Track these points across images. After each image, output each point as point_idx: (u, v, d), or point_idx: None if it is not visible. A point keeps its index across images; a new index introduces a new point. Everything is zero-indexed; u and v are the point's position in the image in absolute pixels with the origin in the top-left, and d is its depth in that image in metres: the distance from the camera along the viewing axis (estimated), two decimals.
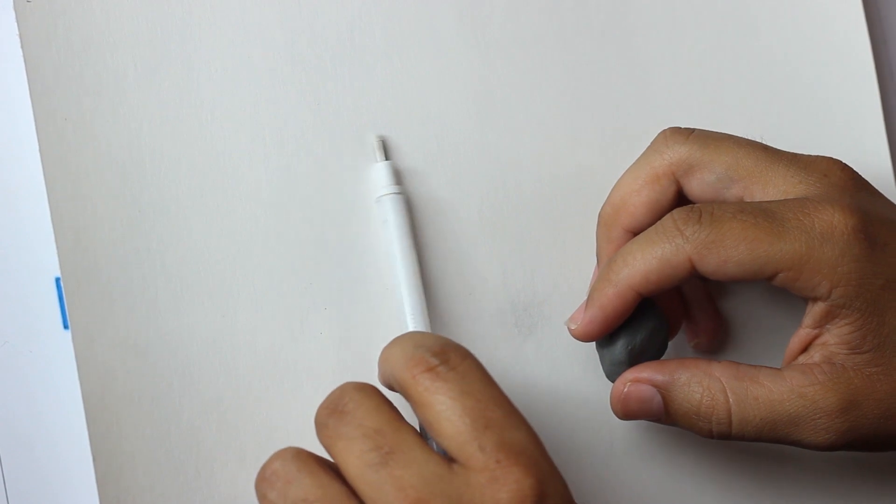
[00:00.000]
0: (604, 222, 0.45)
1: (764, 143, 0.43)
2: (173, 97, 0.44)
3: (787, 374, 0.40)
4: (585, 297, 0.43)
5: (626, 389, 0.42)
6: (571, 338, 0.43)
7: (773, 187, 0.42)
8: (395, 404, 0.37)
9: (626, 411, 0.42)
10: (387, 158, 0.45)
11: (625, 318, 0.42)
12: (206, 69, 0.44)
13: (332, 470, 0.36)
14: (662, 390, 0.42)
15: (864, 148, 0.50)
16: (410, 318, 0.43)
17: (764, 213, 0.40)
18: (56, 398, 0.44)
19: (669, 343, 0.45)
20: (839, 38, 0.51)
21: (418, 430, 0.37)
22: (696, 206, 0.41)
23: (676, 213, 0.41)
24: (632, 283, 0.41)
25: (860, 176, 0.43)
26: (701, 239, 0.40)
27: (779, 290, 0.41)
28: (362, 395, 0.37)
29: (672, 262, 0.40)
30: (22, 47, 0.43)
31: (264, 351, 0.44)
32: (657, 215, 0.43)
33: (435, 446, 0.37)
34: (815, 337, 0.41)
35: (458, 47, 0.47)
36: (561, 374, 0.47)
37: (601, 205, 0.45)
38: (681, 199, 0.44)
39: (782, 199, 0.41)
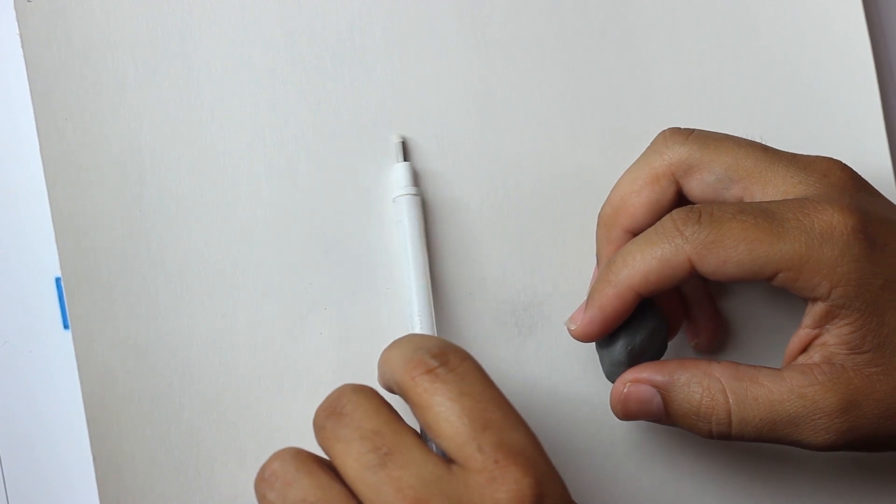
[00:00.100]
0: (603, 223, 0.45)
1: (764, 143, 0.43)
2: (173, 97, 0.44)
3: (786, 374, 0.40)
4: (585, 298, 0.43)
5: (625, 390, 0.42)
6: (571, 338, 0.43)
7: (773, 188, 0.42)
8: (395, 407, 0.37)
9: (626, 412, 0.42)
10: (406, 159, 0.45)
11: (624, 318, 0.42)
12: (206, 69, 0.44)
13: (332, 471, 0.36)
14: (662, 391, 0.42)
15: (864, 148, 0.50)
16: (418, 320, 0.43)
17: (763, 214, 0.40)
18: (56, 398, 0.44)
19: (669, 343, 0.45)
20: (839, 38, 0.51)
21: (418, 432, 0.37)
22: (695, 206, 0.41)
23: (676, 213, 0.41)
24: (631, 283, 0.41)
25: (860, 176, 0.43)
26: (700, 239, 0.40)
27: (779, 290, 0.41)
28: (361, 397, 0.37)
29: (672, 263, 0.40)
30: (22, 47, 0.43)
31: (264, 351, 0.44)
32: (657, 216, 0.43)
33: (434, 448, 0.37)
34: (815, 337, 0.41)
35: (458, 47, 0.47)
36: (561, 374, 0.47)
37: (601, 205, 0.45)
38: (680, 199, 0.44)
39: (782, 199, 0.41)
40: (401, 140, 0.45)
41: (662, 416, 0.42)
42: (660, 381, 0.42)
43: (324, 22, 0.46)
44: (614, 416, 0.43)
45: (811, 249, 0.39)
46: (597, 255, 0.45)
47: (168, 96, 0.44)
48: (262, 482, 0.37)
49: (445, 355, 0.36)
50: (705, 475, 0.48)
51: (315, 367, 0.44)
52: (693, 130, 0.44)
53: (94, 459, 0.42)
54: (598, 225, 0.45)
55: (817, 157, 0.43)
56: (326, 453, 0.37)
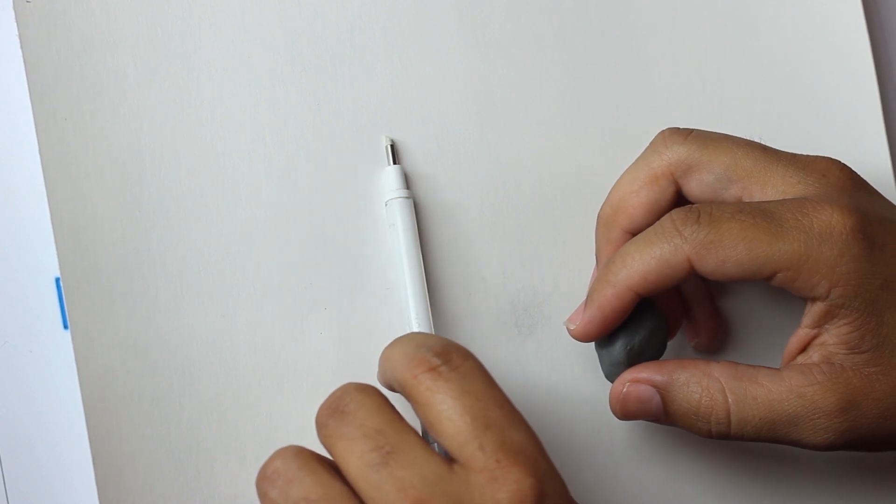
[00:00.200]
0: (603, 223, 0.45)
1: (763, 143, 0.44)
2: (173, 97, 0.44)
3: (785, 374, 0.40)
4: (585, 298, 0.43)
5: (625, 390, 0.42)
6: (571, 338, 0.43)
7: (772, 187, 0.42)
8: (396, 405, 0.37)
9: (626, 411, 0.43)
10: (395, 162, 0.45)
11: (624, 318, 0.42)
12: (206, 69, 0.44)
13: (333, 469, 0.36)
14: (661, 390, 0.42)
15: (864, 148, 0.50)
16: (415, 320, 0.43)
17: (762, 214, 0.40)
18: (56, 398, 0.44)
19: (669, 343, 0.45)
20: (839, 38, 0.51)
21: (419, 431, 0.37)
22: (694, 206, 0.41)
23: (675, 213, 0.41)
24: (630, 283, 0.41)
25: (859, 176, 0.43)
26: (699, 239, 0.40)
27: (778, 290, 0.41)
28: (363, 396, 0.37)
29: (671, 263, 0.40)
30: (22, 47, 0.43)
31: (264, 351, 0.44)
32: (656, 216, 0.43)
33: (436, 447, 0.37)
34: (814, 337, 0.41)
35: (458, 47, 0.47)
36: (561, 374, 0.47)
37: (601, 205, 0.45)
38: (680, 199, 0.44)
39: (781, 199, 0.41)
40: (390, 143, 0.45)
41: (661, 415, 0.42)
42: (659, 381, 0.42)
43: (324, 22, 0.46)
44: (614, 415, 0.43)
45: (810, 249, 0.39)
46: (596, 255, 0.45)
47: (168, 96, 0.44)
48: (264, 480, 0.37)
49: (448, 354, 0.36)
50: (705, 475, 0.48)
51: (315, 367, 0.44)
52: (692, 130, 0.44)
53: (94, 459, 0.42)
54: (598, 225, 0.45)
55: (816, 156, 0.43)
56: (328, 451, 0.37)
